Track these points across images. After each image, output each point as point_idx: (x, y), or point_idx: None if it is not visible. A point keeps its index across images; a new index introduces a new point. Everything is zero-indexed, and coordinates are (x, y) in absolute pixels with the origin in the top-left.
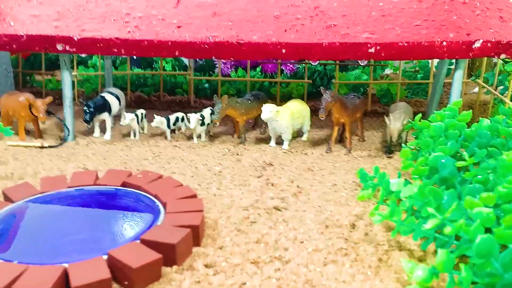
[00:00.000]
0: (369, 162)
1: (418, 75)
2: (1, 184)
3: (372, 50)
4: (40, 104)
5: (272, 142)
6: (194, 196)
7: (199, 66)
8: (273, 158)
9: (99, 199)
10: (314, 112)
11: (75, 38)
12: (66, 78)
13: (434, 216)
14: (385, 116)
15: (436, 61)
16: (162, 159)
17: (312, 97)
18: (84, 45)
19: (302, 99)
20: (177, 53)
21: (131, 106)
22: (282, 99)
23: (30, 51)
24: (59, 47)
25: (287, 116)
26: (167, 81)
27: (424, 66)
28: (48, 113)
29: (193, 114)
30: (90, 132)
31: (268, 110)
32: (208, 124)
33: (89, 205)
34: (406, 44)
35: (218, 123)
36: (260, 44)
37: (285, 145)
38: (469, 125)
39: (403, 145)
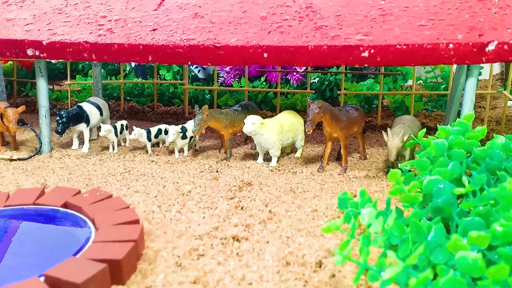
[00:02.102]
0: (365, 184)
1: (440, 86)
2: None
3: (365, 54)
4: (11, 114)
5: (260, 159)
6: (136, 222)
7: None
8: (255, 176)
9: (34, 220)
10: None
11: (44, 43)
12: (42, 86)
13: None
14: (383, 131)
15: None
16: (131, 175)
17: None
18: (54, 50)
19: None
20: (150, 58)
21: (123, 116)
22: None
23: (1, 56)
24: (29, 52)
25: (274, 129)
26: (165, 91)
27: (447, 75)
28: (22, 123)
29: (173, 126)
30: (70, 143)
31: (250, 122)
32: (192, 137)
33: (21, 226)
34: (404, 47)
35: (197, 136)
36: (238, 47)
37: (273, 162)
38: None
39: (400, 165)
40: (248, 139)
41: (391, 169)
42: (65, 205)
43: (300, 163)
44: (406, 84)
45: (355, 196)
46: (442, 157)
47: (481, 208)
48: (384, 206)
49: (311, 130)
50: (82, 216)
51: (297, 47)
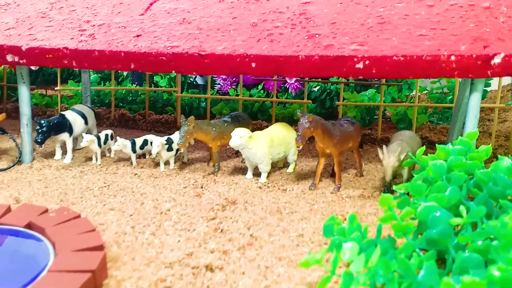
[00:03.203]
0: (358, 205)
1: (447, 97)
2: None
3: (359, 65)
4: None
5: (249, 174)
6: (99, 248)
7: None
8: (242, 194)
9: None
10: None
11: (23, 48)
12: (23, 93)
13: None
14: (378, 148)
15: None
16: (110, 190)
17: None
18: (33, 55)
19: None
20: (132, 66)
21: (113, 125)
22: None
23: None
24: (9, 58)
25: (263, 143)
26: (158, 98)
27: (454, 86)
28: (2, 131)
29: (157, 137)
30: (54, 153)
31: (237, 136)
32: (178, 149)
33: None
34: (402, 59)
35: (182, 149)
36: (225, 56)
37: (262, 177)
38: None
39: (394, 187)
40: (239, 151)
41: (383, 192)
42: (28, 225)
43: (291, 179)
44: (411, 94)
45: (345, 219)
46: (440, 180)
47: (479, 243)
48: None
49: (301, 146)
50: (44, 239)
51: (287, 57)
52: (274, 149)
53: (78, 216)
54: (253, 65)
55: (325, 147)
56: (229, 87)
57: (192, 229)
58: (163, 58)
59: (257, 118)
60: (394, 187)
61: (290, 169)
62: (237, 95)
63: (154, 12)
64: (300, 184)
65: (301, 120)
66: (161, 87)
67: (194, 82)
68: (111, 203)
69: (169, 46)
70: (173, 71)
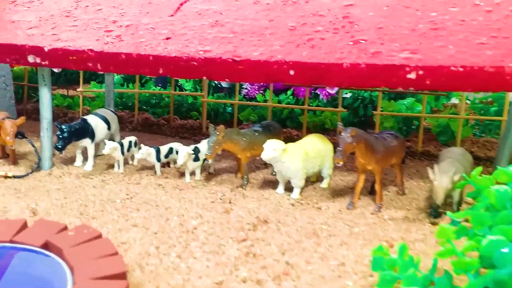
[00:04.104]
0: (403, 229)
1: (491, 108)
2: None
3: (412, 75)
4: (9, 126)
5: (280, 189)
6: (122, 276)
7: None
8: (273, 211)
9: (7, 262)
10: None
11: (46, 49)
12: (45, 96)
13: None
14: (428, 168)
15: None
16: (132, 203)
17: None
18: (56, 57)
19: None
20: (161, 71)
21: (136, 129)
22: (314, 131)
23: (1, 62)
24: (31, 59)
25: (298, 156)
26: (183, 102)
27: (500, 97)
28: (21, 136)
29: (183, 146)
30: (74, 159)
31: (271, 148)
32: (205, 159)
33: None
34: (461, 69)
35: (210, 160)
36: (261, 62)
37: (295, 193)
38: None
39: (448, 213)
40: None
41: (430, 215)
42: (46, 245)
43: (326, 196)
44: (449, 103)
45: (391, 246)
46: (505, 209)
47: None
48: (428, 262)
49: (342, 163)
50: (62, 262)
51: (329, 65)
52: (309, 163)
53: (99, 236)
54: (292, 72)
55: (366, 163)
56: (257, 92)
57: (221, 252)
58: (194, 63)
59: (286, 125)
60: (449, 214)
61: (324, 184)
62: (265, 101)
63: (185, 13)
64: (336, 201)
65: (342, 133)
66: (185, 90)
67: (219, 85)
68: (134, 218)
69: (201, 51)
70: (204, 77)
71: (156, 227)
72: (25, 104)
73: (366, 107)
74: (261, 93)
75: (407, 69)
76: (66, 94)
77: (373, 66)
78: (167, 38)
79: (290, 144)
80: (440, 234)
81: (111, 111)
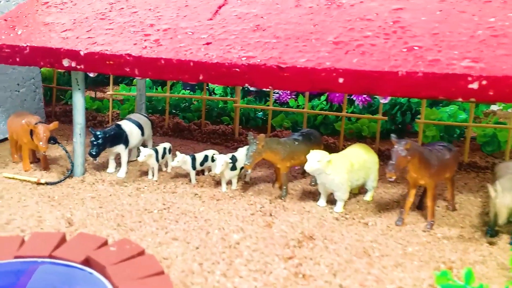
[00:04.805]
0: (460, 250)
1: None
2: None
3: (474, 85)
4: (42, 131)
5: (321, 201)
6: None
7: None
8: (317, 226)
9: (47, 279)
10: (388, 158)
11: (82, 53)
12: (78, 101)
13: None
14: (488, 185)
15: None
16: (170, 214)
17: (388, 137)
18: (92, 61)
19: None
20: (201, 77)
21: (167, 134)
22: (349, 139)
23: (35, 65)
24: (65, 62)
25: (342, 168)
26: (214, 106)
27: None
28: (54, 141)
29: (221, 155)
30: (106, 165)
31: (315, 159)
32: (242, 168)
33: None
34: None
35: (249, 170)
36: (308, 69)
37: (338, 207)
38: None
39: None
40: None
41: (486, 234)
42: (86, 261)
43: (371, 210)
44: (489, 110)
45: (450, 269)
46: None
47: None
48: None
49: (394, 177)
50: (105, 281)
51: (383, 73)
52: (353, 175)
53: (143, 252)
54: (341, 80)
55: (419, 178)
56: (289, 97)
57: (268, 271)
58: (237, 69)
59: (319, 132)
60: None
61: (368, 196)
62: (298, 106)
63: (224, 16)
64: (383, 216)
65: (395, 146)
66: (216, 94)
67: (246, 88)
68: (174, 231)
69: (243, 57)
70: (246, 84)
71: (197, 241)
72: (53, 107)
73: (405, 114)
74: (293, 98)
75: (469, 78)
76: (94, 96)
77: (431, 75)
78: (208, 43)
79: (335, 155)
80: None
81: (145, 116)
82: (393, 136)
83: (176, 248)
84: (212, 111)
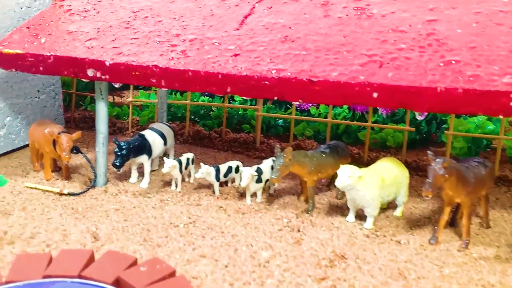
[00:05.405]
0: (498, 272)
1: None
2: None
3: None
4: (65, 141)
5: (350, 216)
6: None
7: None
8: (348, 244)
9: None
10: (415, 170)
11: (107, 63)
12: (101, 110)
13: None
14: None
15: None
16: (196, 228)
17: (413, 148)
18: (118, 72)
19: (400, 148)
20: (229, 90)
21: (187, 142)
22: (373, 149)
23: (58, 75)
24: (90, 72)
25: (374, 184)
26: (233, 113)
27: None
28: (76, 150)
29: (247, 168)
30: (127, 174)
31: (346, 175)
32: (268, 180)
33: None
34: None
35: (276, 184)
36: (341, 84)
37: (368, 223)
38: None
39: None
40: (331, 184)
41: None
42: (117, 282)
43: (402, 226)
44: None
45: None
46: None
47: None
48: None
49: (431, 196)
50: None
51: (420, 88)
52: (384, 191)
53: (174, 273)
54: (375, 95)
55: (455, 196)
56: (310, 105)
57: None
58: (266, 82)
59: (342, 141)
60: None
61: (398, 212)
62: (319, 114)
63: (251, 27)
64: (415, 234)
65: (432, 164)
66: (235, 101)
67: None
68: (201, 247)
69: (273, 69)
70: (276, 98)
71: (226, 259)
72: (72, 113)
73: (430, 123)
74: (315, 105)
75: None
76: (112, 101)
77: (471, 92)
78: (235, 55)
79: (365, 170)
80: None
81: (167, 125)
82: (430, 153)
83: (205, 267)
84: (232, 118)
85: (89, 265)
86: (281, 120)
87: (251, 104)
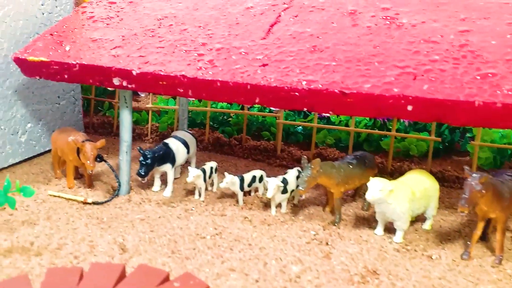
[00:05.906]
0: None
1: None
2: (8, 263)
3: None
4: (89, 150)
5: (379, 229)
6: None
7: None
8: (379, 259)
9: None
10: (440, 181)
11: (134, 73)
12: (125, 118)
13: None
14: None
15: None
16: (223, 240)
17: (437, 157)
18: (144, 81)
19: (423, 157)
20: (257, 100)
21: (207, 149)
22: (395, 158)
23: (83, 83)
24: (116, 81)
25: (404, 197)
26: (253, 121)
27: None
28: (100, 159)
29: (273, 178)
30: (150, 183)
31: (376, 189)
32: (293, 190)
33: None
34: None
35: (303, 196)
36: (374, 96)
37: (398, 237)
38: None
39: None
40: (356, 195)
41: None
42: None
43: (432, 240)
44: None
45: None
46: None
47: None
48: None
49: (467, 212)
50: None
51: (457, 102)
52: (415, 204)
53: None
54: (410, 108)
55: (490, 211)
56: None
57: None
58: (296, 94)
59: (363, 149)
60: None
61: (427, 225)
62: (340, 121)
63: (278, 36)
64: (446, 248)
65: (469, 179)
66: (254, 108)
67: None
68: (230, 260)
69: (303, 80)
70: (305, 109)
71: (256, 273)
72: (91, 118)
73: (453, 132)
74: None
75: None
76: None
77: (510, 107)
78: (264, 65)
79: (395, 183)
80: None
81: (190, 133)
82: (466, 168)
83: (236, 281)
84: (252, 125)
85: (121, 281)
86: (300, 127)
87: (273, 113)
